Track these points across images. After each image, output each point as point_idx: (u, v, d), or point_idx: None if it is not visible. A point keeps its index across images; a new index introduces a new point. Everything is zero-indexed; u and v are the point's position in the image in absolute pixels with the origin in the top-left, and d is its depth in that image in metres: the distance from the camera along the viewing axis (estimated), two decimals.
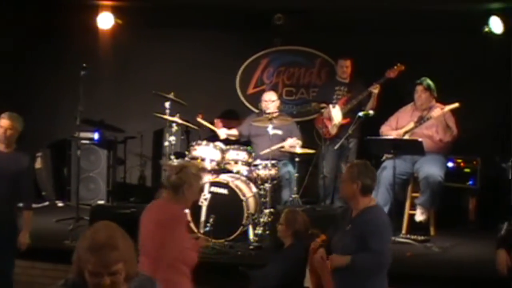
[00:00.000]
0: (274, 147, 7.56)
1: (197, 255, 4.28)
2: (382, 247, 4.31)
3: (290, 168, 7.88)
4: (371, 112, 7.39)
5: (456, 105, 7.23)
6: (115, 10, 8.63)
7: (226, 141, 7.89)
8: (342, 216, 4.71)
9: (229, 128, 8.24)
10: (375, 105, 7.79)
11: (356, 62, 8.15)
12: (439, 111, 7.24)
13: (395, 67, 7.70)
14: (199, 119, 7.97)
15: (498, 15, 7.93)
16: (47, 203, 8.75)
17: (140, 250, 4.21)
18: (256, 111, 8.62)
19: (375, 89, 7.74)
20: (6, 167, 5.38)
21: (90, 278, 2.56)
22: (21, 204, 5.59)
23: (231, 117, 8.80)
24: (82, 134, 7.98)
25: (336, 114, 7.96)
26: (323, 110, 8.07)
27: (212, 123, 8.27)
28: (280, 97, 8.68)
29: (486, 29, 8.06)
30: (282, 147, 7.79)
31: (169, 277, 3.99)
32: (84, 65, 7.44)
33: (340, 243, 4.45)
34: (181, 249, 4.17)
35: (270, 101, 8.03)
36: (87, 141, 8.50)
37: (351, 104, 7.93)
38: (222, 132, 8.11)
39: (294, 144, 7.82)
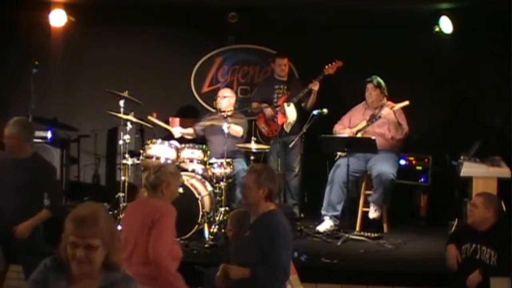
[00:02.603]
0: (212, 121, 7.62)
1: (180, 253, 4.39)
2: (282, 261, 4.21)
3: (245, 166, 7.90)
4: (325, 110, 7.45)
5: (406, 103, 7.36)
6: (68, 7, 8.51)
7: (181, 140, 7.87)
8: (242, 221, 4.58)
9: (184, 127, 8.21)
10: (315, 102, 7.87)
11: (306, 60, 8.20)
12: (388, 110, 7.36)
13: (333, 63, 7.80)
14: (152, 118, 7.92)
15: (447, 15, 8.07)
16: None
17: (128, 253, 4.28)
18: (212, 109, 8.62)
19: (315, 86, 7.82)
20: (15, 176, 5.18)
21: (69, 249, 2.72)
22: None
23: (186, 116, 8.78)
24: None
25: (291, 112, 8.01)
26: (264, 110, 8.09)
27: (167, 122, 8.24)
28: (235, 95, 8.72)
29: (437, 29, 8.20)
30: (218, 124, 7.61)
31: (164, 275, 4.23)
32: (36, 62, 7.35)
33: (240, 252, 4.38)
34: (172, 244, 4.26)
35: (222, 96, 8.01)
36: (39, 140, 8.34)
37: (292, 101, 8.00)
38: (177, 131, 8.09)
39: (230, 126, 7.49)
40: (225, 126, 7.35)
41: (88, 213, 2.74)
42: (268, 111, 8.11)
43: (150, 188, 4.42)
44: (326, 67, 7.81)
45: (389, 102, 7.55)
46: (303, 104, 8.00)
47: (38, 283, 2.81)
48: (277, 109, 8.07)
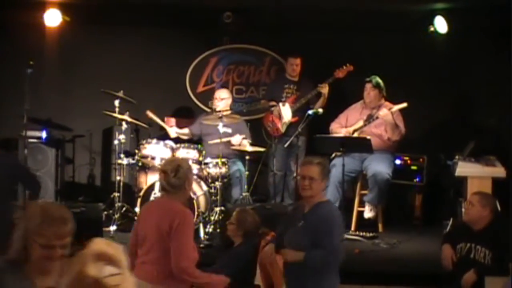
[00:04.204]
0: (224, 139, 7.56)
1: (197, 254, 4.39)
2: (334, 245, 4.37)
3: (240, 166, 7.90)
4: (320, 110, 7.46)
5: (404, 105, 7.37)
6: (63, 7, 8.49)
7: (177, 140, 7.87)
8: (293, 213, 4.76)
9: (180, 127, 8.20)
10: (324, 104, 7.86)
11: (304, 61, 8.21)
12: (386, 111, 7.37)
13: (344, 67, 7.79)
14: (151, 114, 7.88)
15: (442, 15, 8.09)
16: None
17: (144, 252, 4.26)
18: (207, 109, 8.61)
19: (323, 89, 7.80)
20: None
21: (41, 251, 2.74)
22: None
23: (181, 116, 8.77)
24: (29, 133, 7.83)
25: (286, 112, 8.00)
26: (272, 109, 8.10)
27: (163, 122, 8.23)
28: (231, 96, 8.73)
29: (432, 29, 8.22)
30: (230, 141, 7.76)
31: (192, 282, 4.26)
32: (31, 62, 7.31)
33: (293, 238, 4.49)
34: (190, 251, 4.25)
35: (219, 98, 7.98)
36: (34, 140, 8.33)
37: (299, 102, 7.99)
38: (173, 131, 8.07)
39: (240, 142, 7.75)
40: (235, 140, 7.39)
41: (59, 213, 2.80)
42: (275, 110, 8.09)
43: (172, 190, 4.35)
44: (337, 70, 7.79)
45: (387, 103, 7.56)
46: (311, 106, 7.94)
47: None
48: (272, 108, 8.06)
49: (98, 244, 2.11)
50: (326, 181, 4.55)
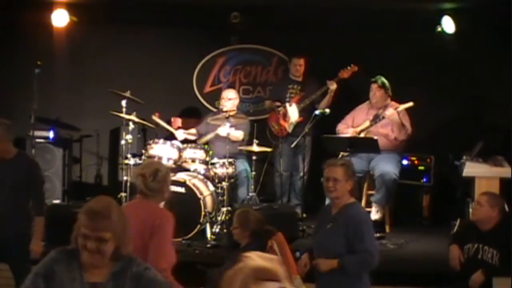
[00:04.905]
0: (209, 136, 7.66)
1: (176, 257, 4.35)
2: (369, 247, 4.36)
3: (247, 166, 7.90)
4: (327, 110, 7.45)
5: (410, 104, 7.35)
6: (70, 7, 8.52)
7: (184, 140, 7.87)
8: (321, 216, 4.72)
9: (187, 128, 8.19)
10: (330, 103, 7.84)
11: (309, 61, 8.20)
12: (392, 110, 7.35)
13: (349, 67, 7.78)
14: (156, 118, 7.92)
15: (450, 15, 8.08)
16: None
17: None
18: (214, 109, 8.62)
19: (332, 85, 7.76)
20: (5, 176, 5.17)
21: (80, 240, 2.84)
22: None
23: (188, 116, 8.78)
24: (37, 133, 7.85)
25: (293, 112, 8.00)
26: (279, 109, 8.09)
27: (169, 122, 8.23)
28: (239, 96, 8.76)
29: (439, 29, 8.20)
30: (223, 137, 7.52)
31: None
32: (39, 62, 7.34)
33: (322, 242, 4.48)
34: (170, 253, 4.22)
35: (227, 98, 7.98)
36: (42, 140, 8.36)
37: (304, 103, 7.98)
38: (180, 134, 8.05)
39: (227, 133, 7.41)
40: (222, 131, 7.34)
41: (101, 207, 2.86)
42: (281, 110, 8.08)
43: (149, 193, 4.32)
44: (341, 71, 7.78)
45: (393, 103, 7.55)
46: (316, 106, 7.93)
47: (40, 276, 2.87)
48: (279, 109, 8.06)
49: (255, 260, 2.05)
50: (351, 183, 4.46)
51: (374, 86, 7.60)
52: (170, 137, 7.88)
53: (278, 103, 8.13)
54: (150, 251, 4.14)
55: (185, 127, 8.20)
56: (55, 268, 2.89)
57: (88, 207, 2.88)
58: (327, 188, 4.46)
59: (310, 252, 4.63)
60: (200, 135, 8.13)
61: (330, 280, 4.39)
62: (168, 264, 4.18)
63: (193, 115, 8.83)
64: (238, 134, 7.76)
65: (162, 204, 4.62)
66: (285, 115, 8.07)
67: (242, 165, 7.85)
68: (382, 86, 7.56)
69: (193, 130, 8.16)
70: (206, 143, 7.84)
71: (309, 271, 4.58)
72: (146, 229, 4.17)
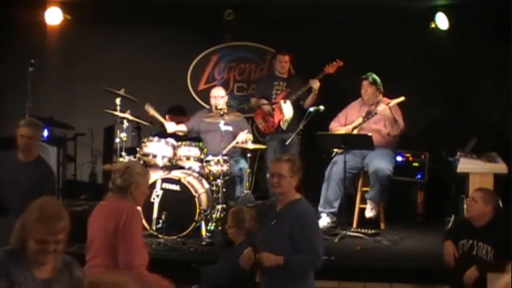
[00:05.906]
0: (231, 145, 7.58)
1: (148, 254, 4.29)
2: (316, 247, 4.29)
3: (242, 163, 7.90)
4: (321, 107, 7.45)
5: (401, 99, 7.36)
6: (64, 5, 8.50)
7: (178, 138, 7.86)
8: (266, 212, 4.71)
9: (179, 124, 8.18)
10: (315, 100, 7.85)
11: (303, 57, 8.19)
12: (384, 106, 7.37)
13: (334, 62, 7.80)
14: (148, 107, 7.82)
15: (443, 11, 8.08)
16: None
17: (91, 256, 4.20)
18: (207, 107, 8.61)
19: (314, 84, 7.79)
20: (23, 177, 5.21)
21: (35, 245, 2.94)
22: None
23: (182, 113, 8.77)
24: None
25: (287, 109, 8.00)
26: (273, 106, 8.09)
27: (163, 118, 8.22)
28: (231, 92, 8.73)
29: (433, 25, 8.21)
30: (237, 143, 7.76)
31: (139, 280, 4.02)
32: (32, 61, 7.33)
33: (267, 239, 4.42)
34: (141, 249, 4.17)
35: (220, 97, 7.97)
36: None
37: (290, 99, 7.99)
38: (170, 126, 8.04)
39: (245, 138, 7.77)
40: (221, 124, 7.34)
41: (54, 211, 3.00)
42: (266, 107, 8.10)
43: (118, 192, 4.27)
44: (327, 66, 7.79)
45: (385, 99, 7.55)
46: (301, 102, 7.97)
47: (2, 277, 2.97)
48: (273, 106, 8.07)
49: None
50: (297, 178, 4.39)
51: (365, 83, 7.60)
52: (164, 134, 7.85)
53: (265, 101, 8.14)
54: (120, 250, 4.08)
55: (177, 123, 8.18)
56: (10, 268, 2.98)
57: (40, 214, 2.98)
58: (271, 184, 4.44)
59: (255, 245, 4.54)
60: (189, 132, 8.12)
61: (274, 276, 4.32)
62: (142, 260, 4.13)
63: (188, 113, 8.82)
64: (247, 135, 7.80)
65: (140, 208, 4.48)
66: (271, 113, 8.05)
67: (237, 162, 7.85)
68: (373, 82, 7.57)
69: (183, 127, 8.11)
70: (199, 140, 7.84)
71: (253, 264, 4.49)
72: (109, 227, 4.12)
